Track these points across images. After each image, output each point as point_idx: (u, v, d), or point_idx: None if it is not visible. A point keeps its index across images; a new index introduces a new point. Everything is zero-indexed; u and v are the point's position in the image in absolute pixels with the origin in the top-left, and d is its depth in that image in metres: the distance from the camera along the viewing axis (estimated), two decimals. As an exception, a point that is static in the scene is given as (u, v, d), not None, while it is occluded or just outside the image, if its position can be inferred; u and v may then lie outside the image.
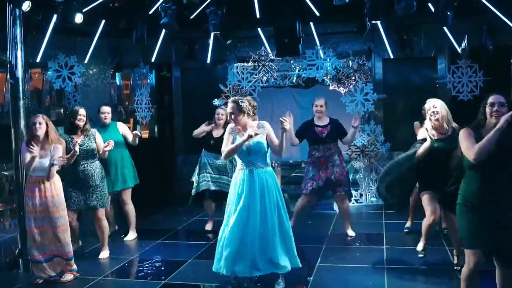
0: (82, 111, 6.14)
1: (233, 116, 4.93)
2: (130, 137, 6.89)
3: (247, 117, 4.95)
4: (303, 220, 7.60)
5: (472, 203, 3.79)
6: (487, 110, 3.82)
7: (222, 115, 7.04)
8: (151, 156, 10.29)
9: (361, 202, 9.02)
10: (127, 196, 6.99)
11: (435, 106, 5.03)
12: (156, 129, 11.14)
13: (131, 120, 10.94)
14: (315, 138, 6.81)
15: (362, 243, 6.73)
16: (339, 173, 6.76)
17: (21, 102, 6.23)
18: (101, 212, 6.16)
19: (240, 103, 4.90)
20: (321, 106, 6.83)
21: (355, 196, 8.92)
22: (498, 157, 3.66)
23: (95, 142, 6.13)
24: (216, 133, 7.06)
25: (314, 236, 7.00)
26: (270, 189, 4.89)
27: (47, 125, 5.37)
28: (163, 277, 5.47)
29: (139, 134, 6.81)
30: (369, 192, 9.03)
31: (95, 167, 6.10)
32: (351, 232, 6.99)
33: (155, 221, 8.26)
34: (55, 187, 5.39)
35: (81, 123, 6.10)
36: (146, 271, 5.73)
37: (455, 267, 5.34)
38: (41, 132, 5.31)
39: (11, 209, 8.79)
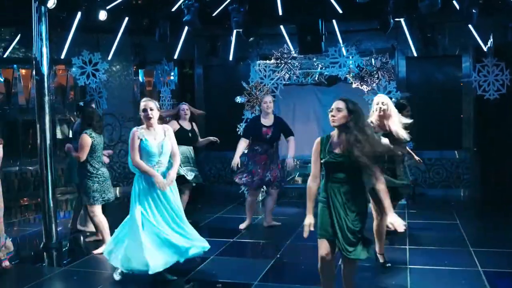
0: None
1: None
2: None
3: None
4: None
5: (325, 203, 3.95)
6: None
7: (187, 109, 7.43)
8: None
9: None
10: None
11: (384, 103, 5.15)
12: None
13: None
14: (260, 137, 7.10)
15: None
16: (274, 169, 7.09)
17: (46, 98, 6.32)
18: (92, 209, 6.11)
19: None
20: (270, 102, 7.17)
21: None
22: (340, 166, 3.86)
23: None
24: (187, 126, 7.40)
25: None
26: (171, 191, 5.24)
27: None
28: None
29: None
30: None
31: (79, 166, 6.16)
32: (267, 223, 7.31)
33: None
34: None
35: None
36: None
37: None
38: None
39: (36, 204, 8.94)
